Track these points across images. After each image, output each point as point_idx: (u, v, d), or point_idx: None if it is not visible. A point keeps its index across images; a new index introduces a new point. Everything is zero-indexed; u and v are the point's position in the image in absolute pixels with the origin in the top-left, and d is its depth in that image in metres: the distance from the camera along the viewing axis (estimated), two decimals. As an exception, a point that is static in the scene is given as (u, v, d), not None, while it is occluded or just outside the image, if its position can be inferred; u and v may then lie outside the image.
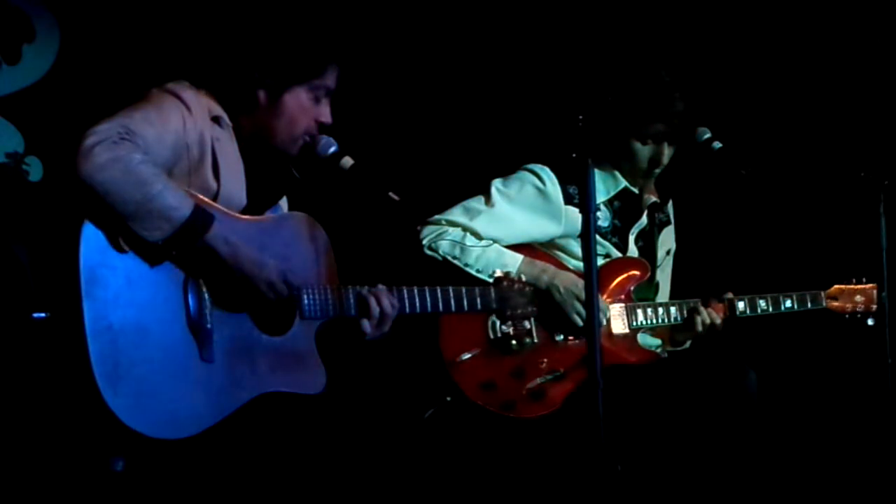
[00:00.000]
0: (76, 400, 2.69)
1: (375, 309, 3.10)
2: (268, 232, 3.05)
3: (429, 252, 3.75)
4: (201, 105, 3.00)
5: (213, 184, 2.98)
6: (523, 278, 3.47)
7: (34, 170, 4.40)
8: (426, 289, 3.22)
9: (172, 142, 2.89)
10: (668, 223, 4.11)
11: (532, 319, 3.47)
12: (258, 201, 3.14)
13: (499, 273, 3.41)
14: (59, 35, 4.44)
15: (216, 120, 3.04)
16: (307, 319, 3.04)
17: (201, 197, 2.91)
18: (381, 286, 3.14)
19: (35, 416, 2.83)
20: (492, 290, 3.35)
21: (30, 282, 2.82)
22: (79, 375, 2.66)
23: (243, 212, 3.05)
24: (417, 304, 3.20)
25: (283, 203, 3.29)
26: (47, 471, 2.87)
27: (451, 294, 3.27)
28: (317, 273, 3.11)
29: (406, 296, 3.18)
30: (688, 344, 3.99)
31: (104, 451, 2.77)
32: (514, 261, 3.76)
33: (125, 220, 2.72)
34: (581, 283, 3.67)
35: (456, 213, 3.82)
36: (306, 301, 3.03)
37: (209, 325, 2.86)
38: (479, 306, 3.30)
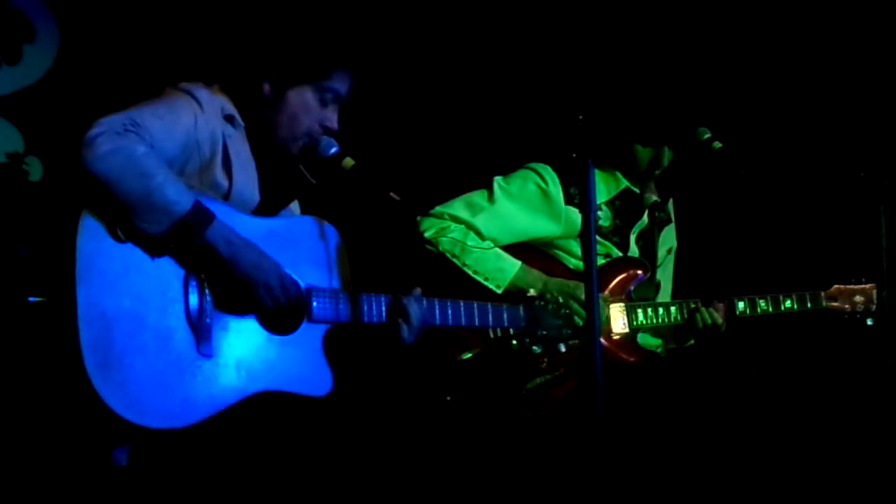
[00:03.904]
0: (68, 386, 2.68)
1: (415, 314, 3.14)
2: (278, 232, 3.05)
3: (428, 246, 3.75)
4: (214, 104, 3.02)
5: (225, 181, 2.99)
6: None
7: (34, 170, 4.40)
8: (448, 302, 3.23)
9: (182, 138, 2.90)
10: (669, 222, 4.11)
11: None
12: (271, 202, 3.14)
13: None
14: (59, 35, 4.44)
15: (229, 119, 3.05)
16: (315, 322, 3.04)
17: (209, 195, 2.91)
18: (417, 290, 3.19)
19: (28, 404, 2.83)
20: (521, 307, 3.36)
21: (26, 267, 2.82)
22: (70, 361, 2.65)
23: (256, 210, 3.05)
24: (446, 317, 3.22)
25: (295, 206, 3.29)
26: (41, 461, 2.87)
27: (476, 309, 3.32)
28: (328, 277, 3.11)
29: (437, 308, 3.19)
30: (692, 342, 4.00)
31: (102, 443, 2.77)
32: (512, 266, 3.75)
33: (127, 212, 2.72)
34: (573, 283, 3.68)
35: (458, 208, 3.81)
36: (316, 304, 3.03)
37: (209, 320, 2.86)
38: (505, 323, 3.32)
